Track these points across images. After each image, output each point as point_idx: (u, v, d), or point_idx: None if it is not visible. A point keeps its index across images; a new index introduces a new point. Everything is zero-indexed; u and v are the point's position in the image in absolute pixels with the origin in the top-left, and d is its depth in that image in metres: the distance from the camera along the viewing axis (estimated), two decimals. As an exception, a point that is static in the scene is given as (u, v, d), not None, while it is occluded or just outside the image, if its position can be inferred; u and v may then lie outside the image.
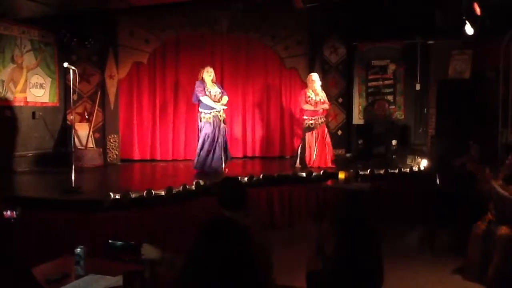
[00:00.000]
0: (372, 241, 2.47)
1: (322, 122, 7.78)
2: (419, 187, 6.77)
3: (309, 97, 7.68)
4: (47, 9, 6.90)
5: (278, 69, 9.26)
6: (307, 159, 7.67)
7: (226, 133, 7.43)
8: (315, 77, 7.82)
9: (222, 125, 7.22)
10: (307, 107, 7.66)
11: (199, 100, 7.16)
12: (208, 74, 7.21)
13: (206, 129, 7.12)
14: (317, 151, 7.68)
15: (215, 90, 7.21)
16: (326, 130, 7.92)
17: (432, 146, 8.09)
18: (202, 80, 7.21)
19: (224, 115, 7.28)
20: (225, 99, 7.32)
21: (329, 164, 7.66)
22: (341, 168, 7.10)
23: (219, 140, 7.15)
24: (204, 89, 7.13)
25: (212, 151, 7.11)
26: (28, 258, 2.59)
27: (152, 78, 8.87)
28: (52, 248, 4.40)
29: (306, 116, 7.72)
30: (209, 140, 7.09)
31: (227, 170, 7.25)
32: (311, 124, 7.70)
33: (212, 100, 7.11)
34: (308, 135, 7.71)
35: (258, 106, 9.27)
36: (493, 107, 7.30)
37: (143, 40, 8.60)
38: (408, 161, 7.84)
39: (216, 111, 7.14)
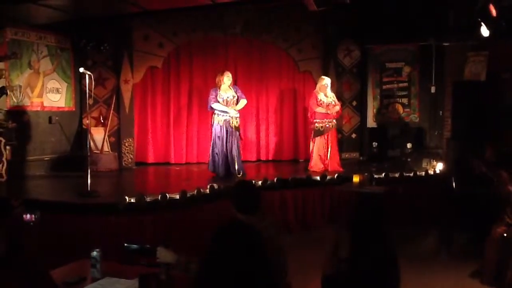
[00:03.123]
0: (387, 244, 2.46)
1: (333, 126, 7.73)
2: (435, 190, 6.71)
3: (320, 100, 7.65)
4: (63, 15, 6.98)
5: (291, 72, 9.26)
6: (315, 162, 7.65)
7: (239, 142, 7.32)
8: (327, 80, 7.78)
9: (233, 131, 7.15)
10: (319, 109, 7.63)
11: (211, 108, 7.19)
12: (229, 79, 7.21)
13: (216, 132, 7.13)
14: (330, 154, 7.64)
15: (227, 95, 7.20)
16: (336, 134, 7.90)
17: (448, 149, 8.01)
18: (217, 87, 7.21)
19: (236, 122, 7.19)
20: (242, 102, 7.30)
21: (340, 168, 7.64)
22: (355, 171, 7.06)
23: (230, 147, 7.11)
24: (217, 96, 7.15)
25: (221, 155, 7.10)
26: (45, 261, 2.62)
27: (167, 82, 8.93)
28: (69, 251, 4.44)
29: (317, 119, 7.68)
30: (219, 143, 7.10)
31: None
32: (321, 127, 7.66)
33: (223, 105, 7.13)
34: (318, 140, 7.67)
35: (271, 110, 9.26)
36: (509, 109, 7.21)
37: (157, 45, 8.66)
38: (424, 164, 7.77)
39: (229, 116, 7.14)
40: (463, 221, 5.71)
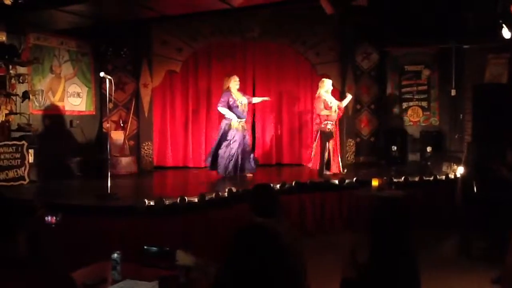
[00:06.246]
0: (406, 248, 2.44)
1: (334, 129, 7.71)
2: (455, 194, 6.62)
3: (331, 102, 7.58)
4: (83, 20, 7.09)
5: (309, 76, 9.23)
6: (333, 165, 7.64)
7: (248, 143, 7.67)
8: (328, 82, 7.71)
9: (246, 134, 7.50)
10: (325, 112, 7.56)
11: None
12: (236, 84, 7.32)
13: (236, 136, 7.27)
14: (335, 157, 7.63)
15: (241, 99, 7.38)
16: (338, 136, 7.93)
17: (469, 152, 7.91)
18: (228, 90, 7.31)
19: (245, 125, 7.54)
20: (255, 99, 7.83)
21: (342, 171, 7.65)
22: (374, 175, 7.01)
23: (244, 148, 7.39)
24: (228, 101, 7.30)
25: (237, 157, 7.28)
26: (66, 262, 2.66)
27: (185, 86, 8.99)
28: (90, 253, 4.50)
29: (328, 121, 7.60)
30: (236, 146, 7.27)
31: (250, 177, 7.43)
32: (332, 129, 7.59)
33: (242, 109, 7.32)
34: (330, 142, 7.61)
35: (290, 113, 9.26)
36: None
37: (175, 49, 8.74)
38: (444, 168, 7.68)
39: (243, 120, 7.37)
40: (484, 225, 5.62)
